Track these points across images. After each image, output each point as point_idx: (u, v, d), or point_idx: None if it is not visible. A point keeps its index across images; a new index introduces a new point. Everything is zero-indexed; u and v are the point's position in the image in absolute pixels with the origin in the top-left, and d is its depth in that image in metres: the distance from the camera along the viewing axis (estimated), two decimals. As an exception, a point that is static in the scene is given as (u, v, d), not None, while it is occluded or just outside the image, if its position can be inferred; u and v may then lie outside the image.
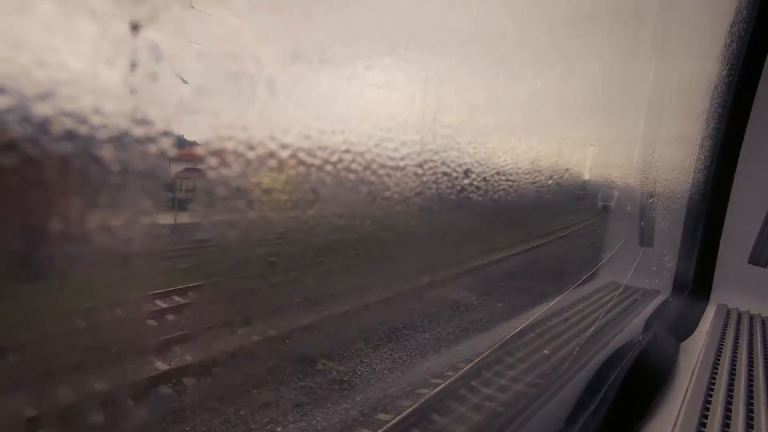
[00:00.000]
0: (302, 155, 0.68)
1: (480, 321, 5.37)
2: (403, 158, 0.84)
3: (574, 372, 1.70)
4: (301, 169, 0.69)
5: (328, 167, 0.73)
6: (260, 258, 0.81)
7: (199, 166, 0.56)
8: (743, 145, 2.71)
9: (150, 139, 0.44)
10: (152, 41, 0.42)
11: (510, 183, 1.17)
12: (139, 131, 0.43)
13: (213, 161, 0.56)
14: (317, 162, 0.71)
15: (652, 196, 2.19)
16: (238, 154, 0.58)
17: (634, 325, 2.25)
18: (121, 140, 0.41)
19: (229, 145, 0.57)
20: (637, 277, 2.79)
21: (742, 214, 2.74)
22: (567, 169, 1.54)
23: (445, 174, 0.94)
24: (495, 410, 3.29)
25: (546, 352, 4.00)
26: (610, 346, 1.94)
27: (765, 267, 2.35)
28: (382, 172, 0.81)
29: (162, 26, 0.42)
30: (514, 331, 4.59)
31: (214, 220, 0.63)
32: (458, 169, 0.97)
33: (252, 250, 0.74)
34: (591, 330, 2.26)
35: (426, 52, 0.96)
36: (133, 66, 0.41)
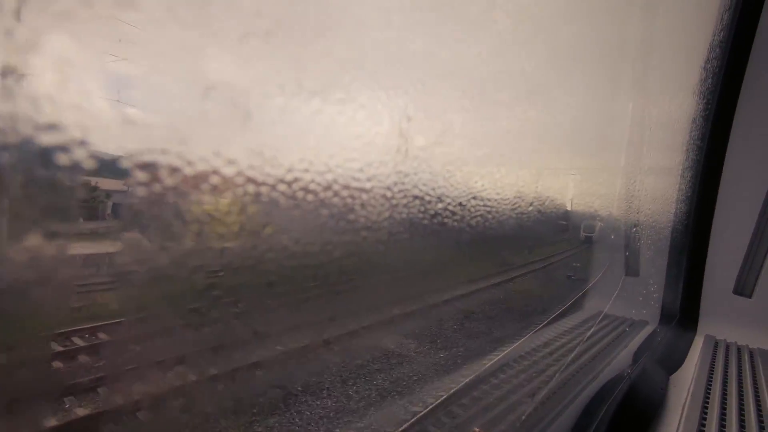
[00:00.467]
0: (251, 173, 0.63)
1: (408, 379, 4.38)
2: (369, 179, 0.81)
3: (562, 407, 1.63)
4: (250, 188, 0.64)
5: (282, 187, 0.68)
6: (198, 290, 0.74)
7: (126, 183, 0.51)
8: (723, 176, 2.75)
9: (60, 149, 0.39)
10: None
11: (488, 209, 1.13)
12: (44, 138, 0.38)
13: (142, 177, 0.51)
14: (269, 181, 0.67)
15: (635, 226, 2.19)
16: (173, 170, 0.53)
17: (622, 357, 2.19)
18: (19, 147, 0.36)
19: (162, 160, 0.52)
20: (623, 308, 2.75)
21: (726, 244, 2.75)
22: (548, 197, 1.52)
23: (416, 197, 0.90)
24: None
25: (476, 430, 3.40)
26: (599, 379, 1.88)
27: (749, 297, 2.34)
28: (345, 193, 0.77)
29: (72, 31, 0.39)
30: (448, 393, 3.79)
31: (143, 245, 0.58)
32: (432, 193, 0.94)
33: (188, 281, 0.67)
34: (567, 370, 2.19)
35: (403, 79, 0.95)
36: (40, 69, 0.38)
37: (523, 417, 1.53)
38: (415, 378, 4.45)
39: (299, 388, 3.76)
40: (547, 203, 1.55)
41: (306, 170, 0.72)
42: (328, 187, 0.75)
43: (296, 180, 0.71)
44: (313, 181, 0.72)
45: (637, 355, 2.24)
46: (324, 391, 3.83)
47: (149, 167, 0.52)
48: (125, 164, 0.51)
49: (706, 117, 2.74)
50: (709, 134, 2.74)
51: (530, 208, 1.39)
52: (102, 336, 3.57)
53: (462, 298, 7.51)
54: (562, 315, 7.31)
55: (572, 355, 2.44)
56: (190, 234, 0.60)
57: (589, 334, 2.71)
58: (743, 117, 2.66)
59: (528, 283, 10.00)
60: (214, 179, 0.59)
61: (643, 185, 2.17)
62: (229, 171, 0.61)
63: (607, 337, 2.65)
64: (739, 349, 2.41)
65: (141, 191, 0.53)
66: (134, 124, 0.50)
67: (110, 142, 0.46)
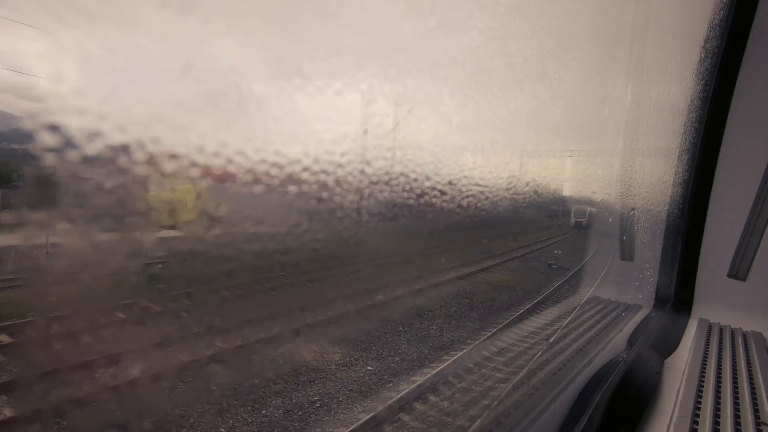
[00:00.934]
0: (200, 158, 0.58)
1: (308, 407, 3.34)
2: (344, 154, 0.74)
3: (557, 393, 1.61)
4: (196, 172, 0.59)
5: (239, 159, 0.62)
6: (133, 284, 0.68)
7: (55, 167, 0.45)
8: (719, 160, 2.72)
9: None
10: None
11: (481, 188, 1.09)
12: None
13: (75, 160, 0.46)
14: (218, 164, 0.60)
15: (632, 210, 2.16)
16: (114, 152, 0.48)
17: (617, 342, 2.18)
18: None
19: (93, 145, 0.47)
20: (617, 292, 2.75)
21: (721, 229, 2.74)
22: (545, 177, 1.48)
23: (402, 174, 0.85)
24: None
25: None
26: (594, 364, 1.87)
27: (744, 280, 2.33)
28: (316, 168, 0.71)
29: None
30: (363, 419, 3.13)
31: (71, 236, 0.52)
32: (417, 170, 0.88)
33: (119, 274, 0.62)
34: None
35: (395, 63, 0.90)
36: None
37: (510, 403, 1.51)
38: (317, 404, 3.39)
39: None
40: (543, 185, 1.51)
41: (263, 159, 0.65)
42: (295, 161, 0.68)
43: (258, 152, 0.64)
44: (278, 152, 0.66)
45: (632, 340, 2.24)
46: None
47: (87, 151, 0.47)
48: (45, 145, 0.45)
49: (704, 99, 2.70)
50: (707, 117, 2.70)
51: (526, 189, 1.35)
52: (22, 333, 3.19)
53: (424, 291, 6.91)
54: (543, 304, 7.30)
55: (538, 356, 2.39)
56: (127, 224, 0.55)
57: (566, 321, 2.69)
58: (741, 99, 2.62)
59: (502, 274, 9.34)
60: (162, 163, 0.54)
61: (640, 168, 2.14)
62: (172, 156, 0.56)
63: (601, 322, 2.65)
64: (733, 332, 2.41)
65: (74, 175, 0.47)
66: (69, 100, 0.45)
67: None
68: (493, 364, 4.59)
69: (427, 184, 0.93)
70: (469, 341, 5.23)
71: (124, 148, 0.51)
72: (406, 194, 0.88)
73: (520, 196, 1.34)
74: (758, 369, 1.88)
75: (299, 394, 3.52)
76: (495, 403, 3.14)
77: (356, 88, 0.77)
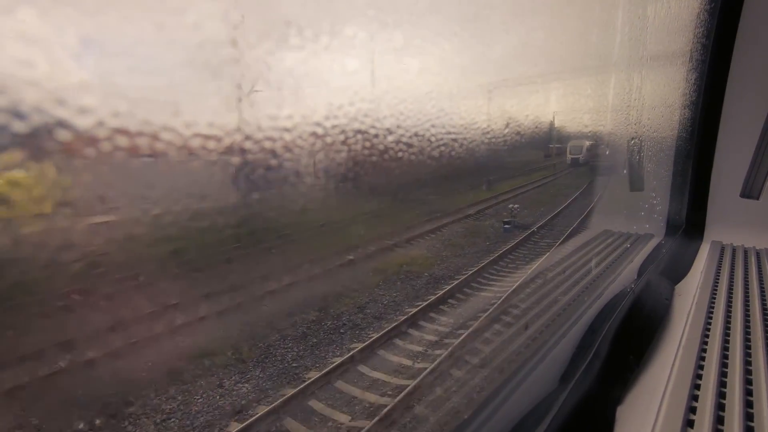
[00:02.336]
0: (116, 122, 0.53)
1: None
2: (290, 116, 0.70)
3: (566, 329, 1.65)
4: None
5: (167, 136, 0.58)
6: None
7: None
8: (730, 77, 2.59)
9: None
10: None
11: (454, 136, 1.04)
12: None
13: None
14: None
15: (633, 138, 2.09)
16: None
17: (627, 273, 2.19)
18: None
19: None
20: (628, 224, 2.72)
21: (732, 148, 2.65)
22: (528, 116, 1.41)
23: (358, 132, 0.81)
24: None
25: None
26: (603, 298, 1.89)
27: (757, 199, 2.28)
28: (260, 135, 0.67)
29: None
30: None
31: None
32: (377, 125, 0.84)
33: None
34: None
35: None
36: None
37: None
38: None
39: None
40: (526, 124, 1.44)
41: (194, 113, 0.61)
42: (233, 131, 0.64)
43: (189, 126, 0.60)
44: (212, 124, 0.62)
45: (641, 270, 2.24)
46: None
47: None
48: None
49: (711, 11, 2.53)
50: (716, 29, 2.54)
51: (506, 131, 1.29)
52: None
53: (345, 267, 5.75)
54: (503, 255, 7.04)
55: (544, 297, 2.40)
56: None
57: (574, 259, 2.68)
58: (753, 8, 2.45)
59: (454, 236, 7.98)
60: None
61: (639, 95, 2.05)
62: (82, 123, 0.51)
63: (611, 255, 2.64)
64: (746, 252, 2.40)
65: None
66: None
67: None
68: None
69: (390, 138, 0.89)
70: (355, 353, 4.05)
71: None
72: (367, 152, 0.85)
73: (499, 140, 1.29)
74: None
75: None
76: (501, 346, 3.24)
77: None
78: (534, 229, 8.60)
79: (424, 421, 3.02)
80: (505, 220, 9.10)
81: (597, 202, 10.76)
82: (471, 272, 5.81)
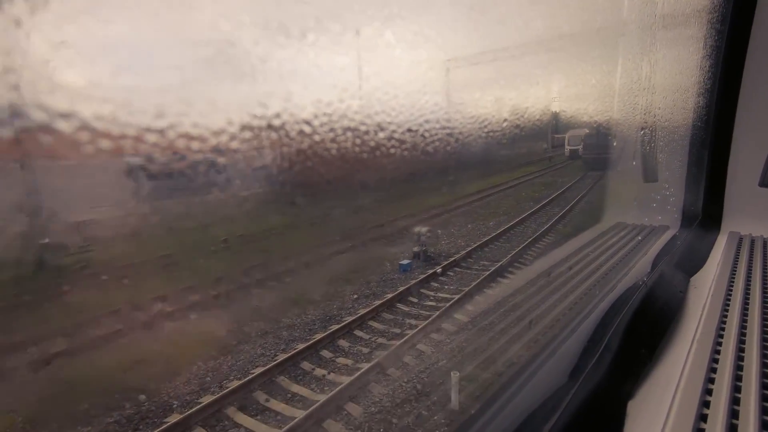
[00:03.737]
0: None
1: None
2: (278, 115, 0.69)
3: (577, 324, 1.62)
4: None
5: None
6: None
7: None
8: (746, 63, 2.50)
9: None
10: None
11: (448, 130, 1.02)
12: None
13: None
14: None
15: (643, 128, 2.04)
16: None
17: (640, 266, 2.15)
18: None
19: None
20: (642, 216, 2.67)
21: (750, 137, 2.57)
22: (527, 108, 1.38)
23: (349, 129, 0.80)
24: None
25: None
26: (615, 292, 1.86)
27: None
28: (247, 135, 0.66)
29: None
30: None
31: None
32: (367, 121, 0.82)
33: None
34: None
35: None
36: None
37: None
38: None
39: None
40: (526, 114, 1.40)
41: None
42: (220, 131, 0.62)
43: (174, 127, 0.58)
44: (196, 124, 0.60)
45: (656, 262, 2.19)
46: None
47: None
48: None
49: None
50: (731, 14, 2.46)
51: (504, 124, 1.27)
52: None
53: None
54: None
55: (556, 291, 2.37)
56: None
57: (586, 252, 2.63)
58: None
59: (329, 274, 6.23)
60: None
61: (648, 84, 1.99)
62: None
63: (625, 248, 2.59)
64: (765, 243, 2.32)
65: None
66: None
67: None
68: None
69: (381, 135, 0.87)
70: None
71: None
72: (357, 149, 0.83)
73: (497, 133, 1.25)
74: None
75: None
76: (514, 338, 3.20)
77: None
78: (445, 264, 6.46)
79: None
80: (414, 250, 6.80)
81: (574, 205, 9.78)
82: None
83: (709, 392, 1.12)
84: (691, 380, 1.18)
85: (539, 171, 15.43)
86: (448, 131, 1.02)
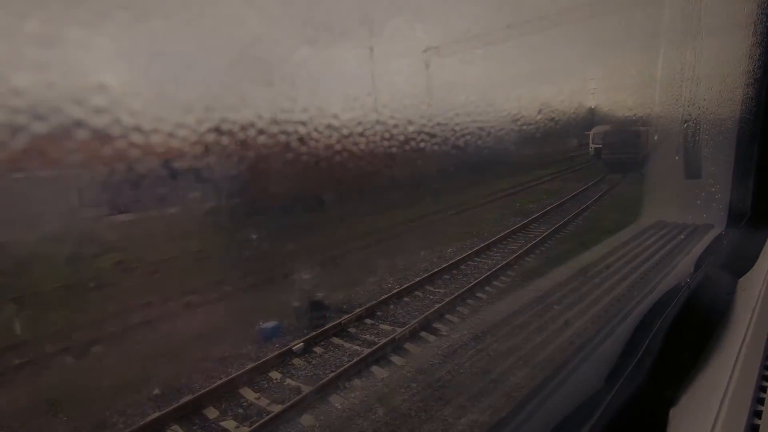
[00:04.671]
0: None
1: None
2: (305, 110, 0.67)
3: (613, 326, 1.56)
4: None
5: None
6: None
7: None
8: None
9: None
10: None
11: (480, 122, 0.98)
12: None
13: None
14: None
15: (686, 121, 1.93)
16: None
17: (682, 267, 2.04)
18: None
19: None
20: (684, 214, 2.53)
21: None
22: (562, 100, 1.32)
23: (378, 123, 0.78)
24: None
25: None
26: (655, 293, 1.77)
27: None
28: (275, 130, 0.65)
29: None
30: None
31: None
32: (397, 115, 0.80)
33: None
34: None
35: None
36: None
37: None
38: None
39: None
40: (561, 107, 1.34)
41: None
42: (248, 125, 0.61)
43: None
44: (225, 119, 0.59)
45: (699, 262, 2.07)
46: None
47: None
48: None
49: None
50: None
51: (539, 117, 1.21)
52: None
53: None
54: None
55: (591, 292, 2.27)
56: None
57: (625, 251, 2.51)
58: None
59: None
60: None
61: (694, 72, 1.88)
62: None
63: (665, 247, 2.47)
64: None
65: None
66: None
67: None
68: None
69: (411, 128, 0.85)
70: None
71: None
72: (386, 143, 0.82)
73: (539, 120, 1.19)
74: None
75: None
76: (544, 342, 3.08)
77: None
78: (322, 330, 4.71)
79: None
80: (295, 305, 4.96)
81: (566, 223, 7.97)
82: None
83: (761, 401, 1.04)
84: (740, 387, 1.10)
85: (551, 174, 13.33)
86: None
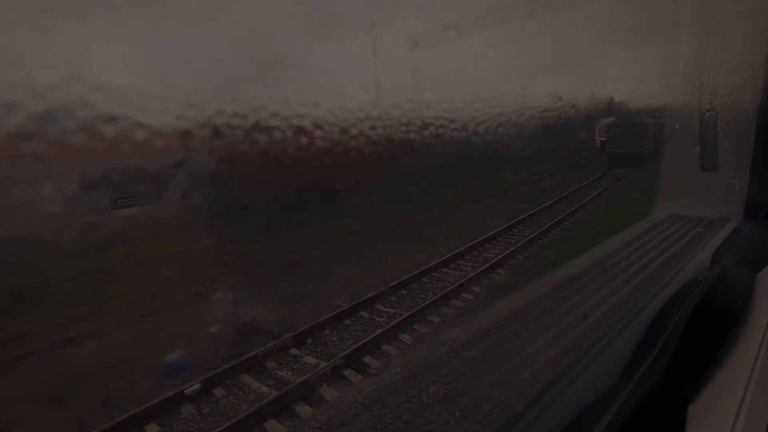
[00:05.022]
0: None
1: None
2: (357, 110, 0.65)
3: (628, 321, 1.53)
4: None
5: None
6: None
7: None
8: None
9: None
10: None
11: (499, 111, 0.94)
12: None
13: None
14: None
15: (708, 110, 1.86)
16: None
17: (698, 261, 1.99)
18: None
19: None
20: (699, 207, 2.47)
21: None
22: (580, 87, 1.28)
23: (395, 106, 0.75)
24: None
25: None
26: (670, 288, 1.73)
27: None
28: (287, 113, 0.63)
29: None
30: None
31: None
32: (414, 99, 0.77)
33: None
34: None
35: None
36: None
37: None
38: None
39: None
40: (581, 93, 1.29)
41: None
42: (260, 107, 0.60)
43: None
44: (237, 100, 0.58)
45: (716, 256, 2.02)
46: None
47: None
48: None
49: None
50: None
51: (560, 103, 1.17)
52: None
53: None
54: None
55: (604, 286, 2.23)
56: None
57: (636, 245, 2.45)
58: None
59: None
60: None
61: (713, 63, 1.81)
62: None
63: (680, 241, 2.42)
64: None
65: None
66: None
67: None
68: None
69: (429, 113, 0.82)
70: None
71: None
72: (404, 128, 0.79)
73: (560, 106, 1.14)
74: None
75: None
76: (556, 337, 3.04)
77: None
78: (238, 361, 3.71)
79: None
80: (211, 331, 4.01)
81: (549, 228, 6.93)
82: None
83: (783, 399, 1.01)
84: (761, 384, 1.07)
85: (549, 170, 12.37)
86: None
